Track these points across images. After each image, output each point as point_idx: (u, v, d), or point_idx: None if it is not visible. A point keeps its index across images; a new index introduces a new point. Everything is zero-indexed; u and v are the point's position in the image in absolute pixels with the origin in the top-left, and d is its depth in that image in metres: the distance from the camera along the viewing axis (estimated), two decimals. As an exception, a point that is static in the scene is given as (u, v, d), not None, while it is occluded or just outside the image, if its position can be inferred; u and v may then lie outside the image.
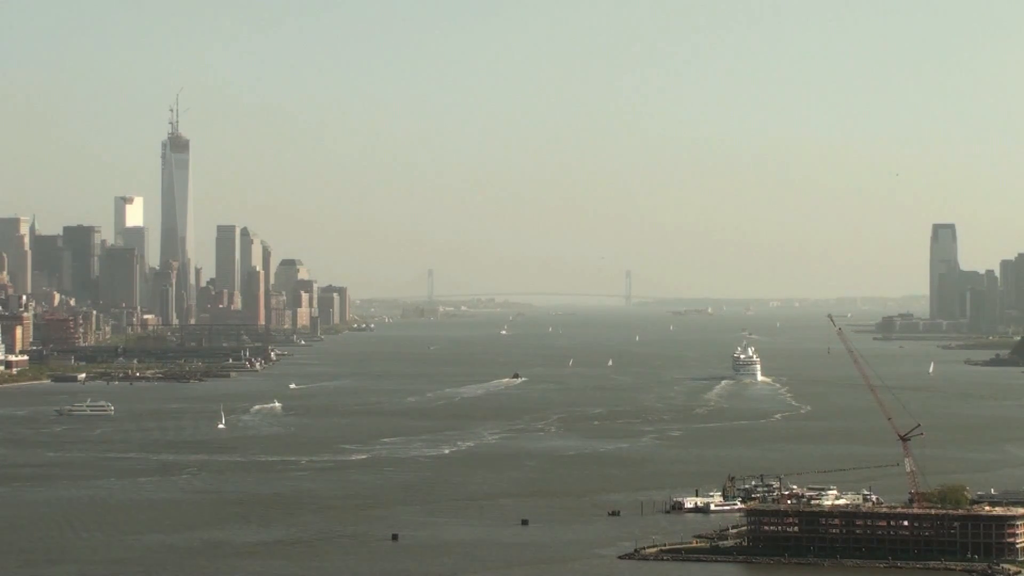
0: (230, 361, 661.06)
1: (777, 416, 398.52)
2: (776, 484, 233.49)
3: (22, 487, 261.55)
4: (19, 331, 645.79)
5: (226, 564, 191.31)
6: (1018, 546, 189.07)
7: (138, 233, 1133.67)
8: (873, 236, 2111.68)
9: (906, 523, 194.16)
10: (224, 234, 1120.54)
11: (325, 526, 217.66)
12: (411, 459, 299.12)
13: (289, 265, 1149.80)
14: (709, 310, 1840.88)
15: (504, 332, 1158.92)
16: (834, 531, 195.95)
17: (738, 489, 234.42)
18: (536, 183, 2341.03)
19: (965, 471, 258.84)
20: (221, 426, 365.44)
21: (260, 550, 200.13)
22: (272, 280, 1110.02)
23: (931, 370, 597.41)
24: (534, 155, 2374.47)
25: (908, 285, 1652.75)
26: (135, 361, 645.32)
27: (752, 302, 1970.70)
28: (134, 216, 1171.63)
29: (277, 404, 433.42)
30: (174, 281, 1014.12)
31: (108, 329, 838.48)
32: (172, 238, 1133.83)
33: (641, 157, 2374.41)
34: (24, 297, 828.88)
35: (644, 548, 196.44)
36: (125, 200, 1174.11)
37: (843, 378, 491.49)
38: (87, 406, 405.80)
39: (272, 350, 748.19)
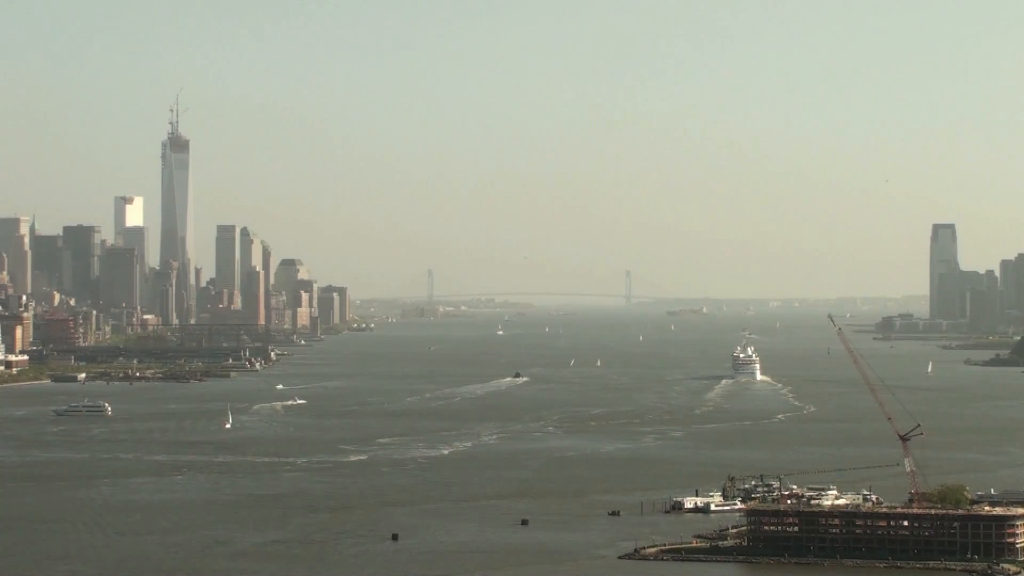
0: (230, 361, 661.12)
1: (780, 416, 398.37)
2: (776, 484, 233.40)
3: (19, 487, 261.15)
4: (19, 331, 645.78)
5: (225, 565, 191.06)
6: (1018, 546, 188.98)
7: (138, 233, 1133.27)
8: (873, 236, 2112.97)
9: (906, 523, 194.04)
10: (224, 234, 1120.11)
11: (325, 526, 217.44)
12: (411, 459, 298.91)
13: (289, 265, 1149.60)
14: (704, 310, 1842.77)
15: (500, 332, 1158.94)
16: (834, 531, 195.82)
17: (738, 489, 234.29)
18: (536, 183, 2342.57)
19: (965, 471, 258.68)
20: (228, 425, 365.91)
21: (259, 550, 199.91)
22: (272, 280, 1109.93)
23: (929, 370, 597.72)
24: (534, 155, 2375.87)
25: (908, 285, 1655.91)
26: (135, 361, 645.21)
27: (752, 302, 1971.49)
28: (134, 216, 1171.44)
29: (293, 402, 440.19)
30: (174, 281, 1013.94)
31: (108, 329, 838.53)
32: (172, 238, 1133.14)
33: (641, 157, 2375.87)
34: (24, 297, 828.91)
35: (644, 548, 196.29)
36: (125, 200, 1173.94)
37: (844, 378, 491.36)
38: (83, 406, 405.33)
39: (272, 350, 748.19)
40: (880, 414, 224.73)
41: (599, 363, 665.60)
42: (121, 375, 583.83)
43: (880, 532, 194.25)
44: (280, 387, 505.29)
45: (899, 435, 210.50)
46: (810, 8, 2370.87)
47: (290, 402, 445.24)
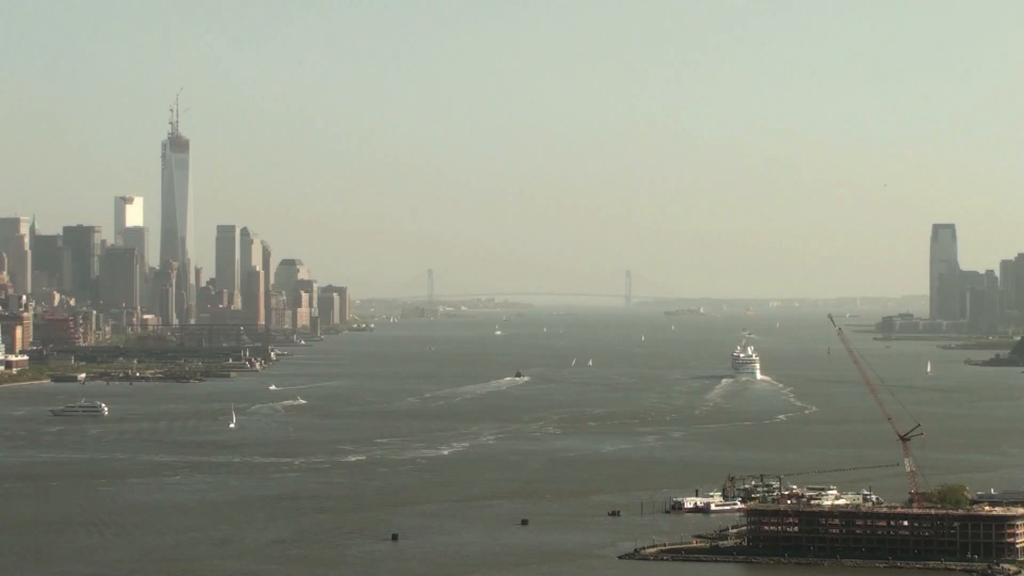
0: (230, 361, 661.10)
1: (780, 416, 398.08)
2: (776, 484, 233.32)
3: (17, 488, 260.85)
4: (19, 331, 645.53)
5: (225, 565, 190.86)
6: (1018, 546, 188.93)
7: (138, 233, 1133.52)
8: (873, 236, 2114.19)
9: (906, 523, 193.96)
10: (224, 234, 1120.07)
11: (325, 526, 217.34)
12: (411, 459, 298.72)
13: (289, 265, 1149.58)
14: (701, 310, 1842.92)
15: (498, 332, 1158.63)
16: (834, 531, 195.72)
17: (738, 489, 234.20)
18: (537, 183, 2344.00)
19: (965, 471, 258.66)
20: (232, 425, 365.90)
21: (259, 551, 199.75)
22: (272, 280, 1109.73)
23: (929, 370, 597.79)
24: (534, 155, 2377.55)
25: (908, 285, 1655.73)
26: (135, 361, 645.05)
27: (752, 302, 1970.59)
28: (134, 216, 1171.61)
29: (293, 402, 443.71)
30: (174, 281, 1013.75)
31: (108, 329, 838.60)
32: (172, 238, 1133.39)
33: (641, 157, 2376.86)
34: (24, 297, 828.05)
35: (644, 548, 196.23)
36: (125, 200, 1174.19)
37: (844, 378, 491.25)
38: (79, 407, 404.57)
39: (272, 350, 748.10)
40: (880, 414, 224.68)
41: (591, 363, 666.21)
42: (121, 375, 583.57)
43: (880, 532, 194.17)
44: (273, 388, 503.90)
45: (899, 435, 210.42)
46: (810, 8, 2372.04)
47: (290, 402, 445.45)
